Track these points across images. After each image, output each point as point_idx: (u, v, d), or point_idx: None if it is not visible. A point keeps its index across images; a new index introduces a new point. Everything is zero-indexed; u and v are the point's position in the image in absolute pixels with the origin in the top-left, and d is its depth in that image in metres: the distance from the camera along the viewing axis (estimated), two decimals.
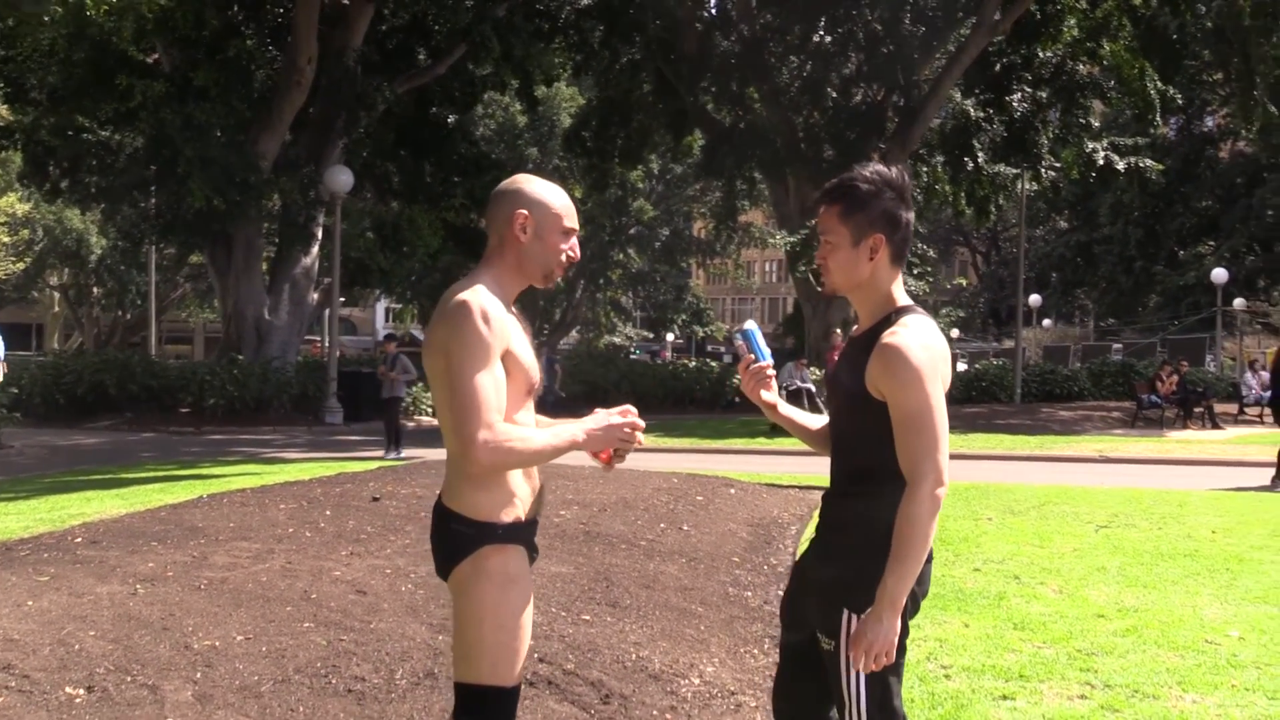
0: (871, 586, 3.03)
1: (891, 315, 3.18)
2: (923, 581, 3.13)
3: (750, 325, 3.54)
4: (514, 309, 3.25)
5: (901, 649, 3.11)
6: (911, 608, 3.11)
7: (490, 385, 3.03)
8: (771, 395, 3.49)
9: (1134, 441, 22.32)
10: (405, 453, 18.70)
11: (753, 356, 3.47)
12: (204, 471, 15.33)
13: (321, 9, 27.01)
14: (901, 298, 3.24)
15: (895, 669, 3.13)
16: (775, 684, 3.54)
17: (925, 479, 2.98)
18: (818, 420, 3.61)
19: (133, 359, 29.27)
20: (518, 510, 3.19)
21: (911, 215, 3.25)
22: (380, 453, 18.88)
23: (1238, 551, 9.25)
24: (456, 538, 3.16)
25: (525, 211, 3.23)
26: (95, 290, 56.38)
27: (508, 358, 3.12)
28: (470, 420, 2.99)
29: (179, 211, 26.97)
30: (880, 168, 3.24)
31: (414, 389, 27.84)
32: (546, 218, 3.25)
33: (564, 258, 3.31)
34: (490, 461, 3.02)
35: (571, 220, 3.30)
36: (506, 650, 3.14)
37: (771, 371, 3.48)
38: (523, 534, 3.21)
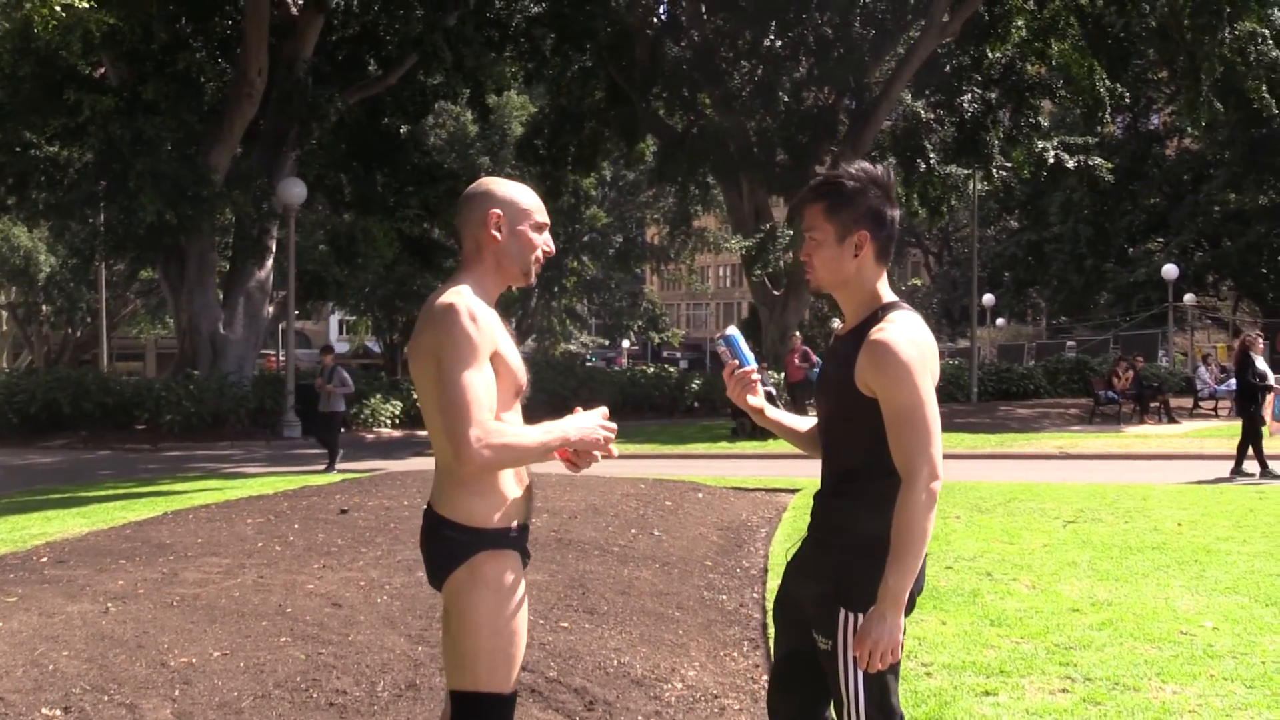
0: (868, 585, 3.02)
1: (878, 312, 3.17)
2: (919, 579, 3.12)
3: (732, 331, 3.51)
4: (497, 311, 3.23)
5: (900, 647, 3.10)
6: (909, 606, 3.10)
7: (481, 384, 3.01)
8: (758, 400, 3.47)
9: (1093, 437, 22.50)
10: (368, 465, 18.56)
11: (736, 362, 3.44)
12: (164, 488, 15.18)
13: (271, 20, 26.83)
14: (887, 294, 3.23)
15: (893, 667, 3.12)
16: (770, 684, 3.53)
17: (920, 474, 2.97)
18: (805, 422, 3.60)
19: (87, 376, 28.91)
20: (510, 515, 3.16)
21: (897, 213, 3.25)
22: (353, 465, 18.74)
23: (1205, 543, 9.34)
24: (450, 545, 3.12)
25: (498, 210, 3.22)
26: (45, 308, 55.73)
27: (495, 359, 3.10)
28: (462, 420, 2.96)
29: (130, 227, 26.69)
30: (866, 165, 3.24)
31: (372, 402, 27.69)
32: (518, 214, 3.25)
33: (540, 252, 3.30)
34: (484, 460, 2.98)
35: (543, 215, 3.30)
36: (503, 657, 3.12)
37: (756, 376, 3.46)
38: (516, 539, 3.19)
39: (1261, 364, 16.07)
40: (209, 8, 29.09)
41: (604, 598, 7.07)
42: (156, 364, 66.20)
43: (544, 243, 3.30)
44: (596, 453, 3.21)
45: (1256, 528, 10.17)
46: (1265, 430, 15.92)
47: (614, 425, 3.22)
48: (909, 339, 3.06)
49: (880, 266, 3.22)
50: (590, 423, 3.20)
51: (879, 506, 3.03)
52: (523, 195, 3.29)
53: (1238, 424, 16.71)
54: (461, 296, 3.09)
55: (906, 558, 2.97)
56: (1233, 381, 29.16)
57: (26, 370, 44.21)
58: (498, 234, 3.22)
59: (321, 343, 73.75)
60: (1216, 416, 28.04)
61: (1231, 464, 15.88)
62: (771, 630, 6.50)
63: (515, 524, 3.18)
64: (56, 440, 25.90)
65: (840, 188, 3.19)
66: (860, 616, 3.06)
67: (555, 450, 3.14)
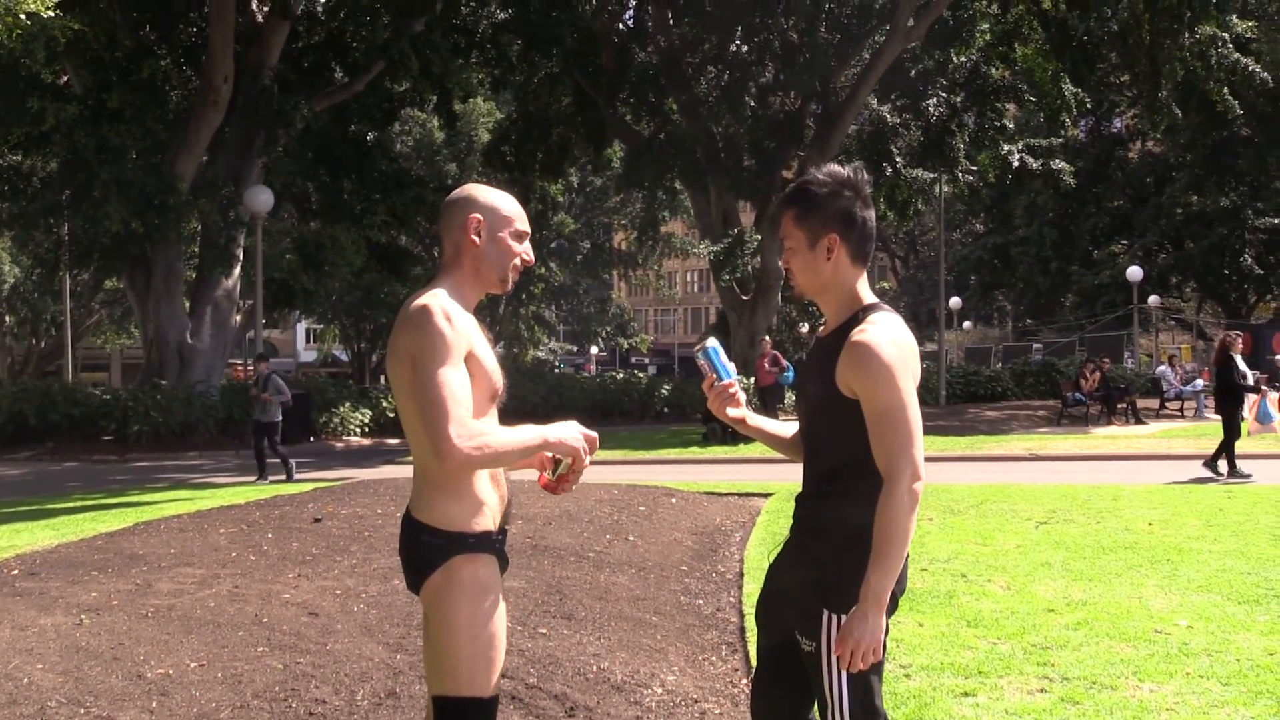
0: (850, 586, 3.02)
1: (859, 314, 3.17)
2: (901, 580, 3.13)
3: (712, 343, 3.51)
4: (473, 316, 3.23)
5: (883, 648, 3.11)
6: (891, 606, 3.10)
7: (458, 383, 3.01)
8: (739, 411, 3.47)
9: (1061, 439, 22.63)
10: (339, 474, 18.47)
11: (715, 375, 3.45)
12: (134, 499, 15.07)
13: (236, 28, 26.72)
14: (868, 296, 3.24)
15: (876, 668, 3.11)
16: (753, 687, 3.53)
17: (903, 475, 2.97)
18: (787, 427, 3.61)
19: (53, 387, 28.69)
20: (487, 520, 3.16)
21: (871, 214, 3.25)
22: (323, 474, 18.65)
23: (1176, 542, 9.41)
24: (427, 549, 3.12)
25: (479, 215, 3.23)
26: (8, 319, 55.26)
27: (471, 361, 3.10)
28: (441, 417, 2.95)
29: (95, 236, 26.52)
30: (835, 168, 3.25)
31: (341, 410, 27.56)
32: (499, 221, 3.25)
33: (519, 260, 3.30)
34: (463, 458, 2.97)
35: (524, 224, 3.31)
36: (483, 660, 3.11)
37: (735, 389, 3.46)
38: (493, 543, 3.19)
39: (1242, 364, 16.01)
40: (174, 15, 28.95)
41: (581, 603, 7.06)
42: (122, 374, 65.74)
43: (523, 251, 3.31)
44: (574, 476, 3.24)
45: (1226, 526, 10.25)
46: (1244, 429, 15.94)
47: (594, 435, 3.23)
48: (890, 339, 3.07)
49: (857, 268, 3.23)
50: (570, 431, 3.20)
51: (861, 507, 3.03)
52: (505, 203, 3.29)
53: (1204, 424, 16.76)
54: (437, 299, 3.09)
55: (888, 558, 2.98)
56: (1199, 382, 29.63)
57: None
58: (477, 239, 3.22)
59: (289, 351, 73.44)
60: (1183, 417, 28.28)
61: (1208, 461, 15.81)
62: (753, 633, 6.53)
63: (493, 528, 3.18)
64: (22, 452, 25.68)
65: (807, 194, 3.21)
66: (843, 617, 3.06)
67: (534, 451, 3.13)
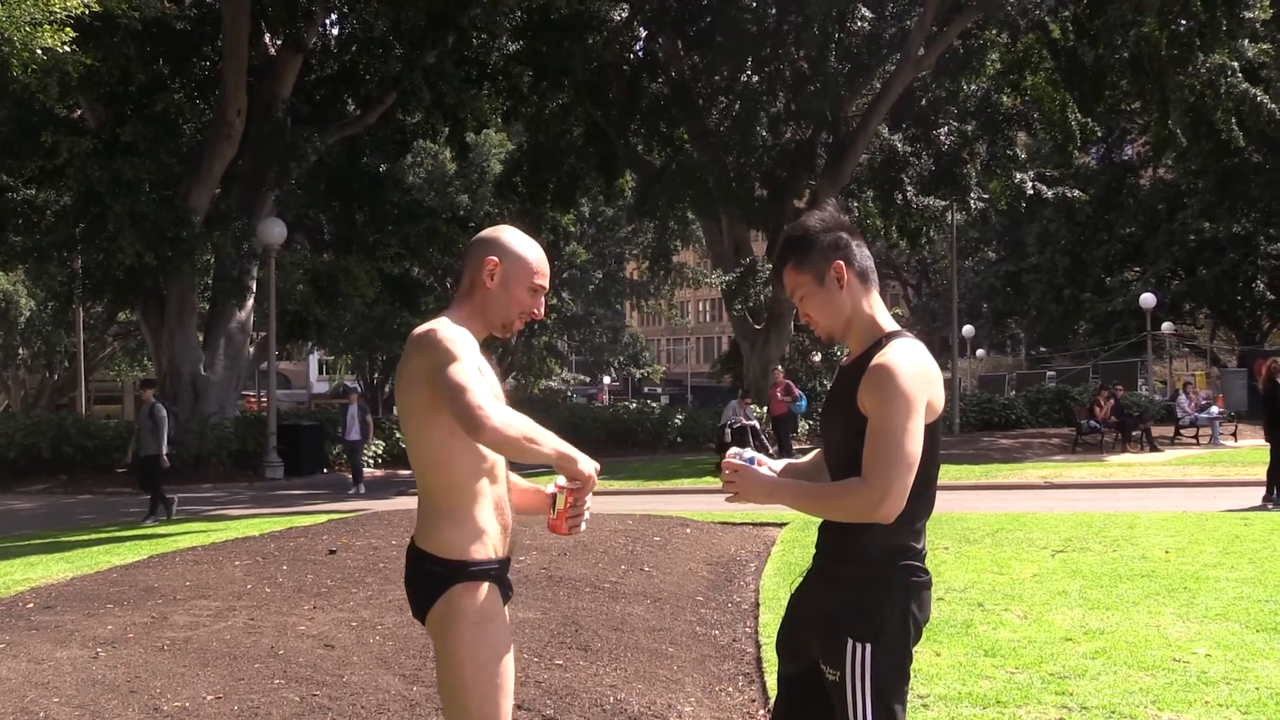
0: (874, 614, 3.02)
1: (881, 340, 3.17)
2: (924, 608, 3.12)
3: (745, 422, 3.44)
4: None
5: (906, 675, 3.10)
6: (915, 633, 3.10)
7: (477, 379, 3.05)
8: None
9: (1077, 467, 22.56)
10: (353, 505, 18.47)
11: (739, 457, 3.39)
12: (149, 531, 15.09)
13: (249, 61, 26.87)
14: (889, 323, 3.24)
15: (900, 696, 3.10)
16: (773, 716, 3.51)
17: (874, 486, 2.93)
18: (805, 458, 3.60)
19: (66, 420, 28.77)
20: (488, 548, 3.18)
21: (859, 237, 3.28)
22: (337, 505, 18.62)
23: (1193, 570, 9.36)
24: (429, 578, 3.16)
25: (496, 259, 3.26)
26: (22, 352, 55.43)
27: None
28: (466, 398, 2.98)
29: (109, 269, 26.63)
30: (813, 215, 3.30)
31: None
32: (517, 269, 3.28)
33: (525, 312, 3.32)
34: (495, 427, 2.97)
35: (542, 279, 3.33)
36: (490, 688, 3.12)
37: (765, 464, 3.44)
38: (495, 571, 3.20)
39: None
40: (187, 49, 29.13)
41: (597, 634, 7.04)
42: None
43: (534, 304, 3.33)
44: (576, 516, 3.28)
45: (1243, 554, 10.20)
46: None
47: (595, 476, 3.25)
48: (914, 366, 3.05)
49: (868, 289, 3.24)
50: (587, 459, 3.20)
51: (888, 533, 3.03)
52: (530, 253, 3.32)
53: (1219, 451, 16.65)
54: (442, 324, 3.16)
55: (807, 499, 3.13)
56: (1214, 409, 29.52)
57: (3, 414, 43.93)
58: (490, 281, 3.26)
59: (301, 383, 73.43)
60: (1198, 444, 28.15)
61: (1263, 491, 15.64)
62: (770, 663, 6.50)
63: (494, 556, 3.19)
64: (36, 485, 25.73)
65: (796, 240, 3.24)
66: (867, 646, 3.03)
67: (555, 456, 3.12)
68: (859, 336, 3.24)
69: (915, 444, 2.99)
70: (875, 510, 2.93)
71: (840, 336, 3.28)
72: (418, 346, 3.12)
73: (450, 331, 3.11)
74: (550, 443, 3.08)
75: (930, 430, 3.06)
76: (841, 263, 3.19)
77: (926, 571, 3.12)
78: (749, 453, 3.28)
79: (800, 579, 3.45)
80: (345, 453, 25.02)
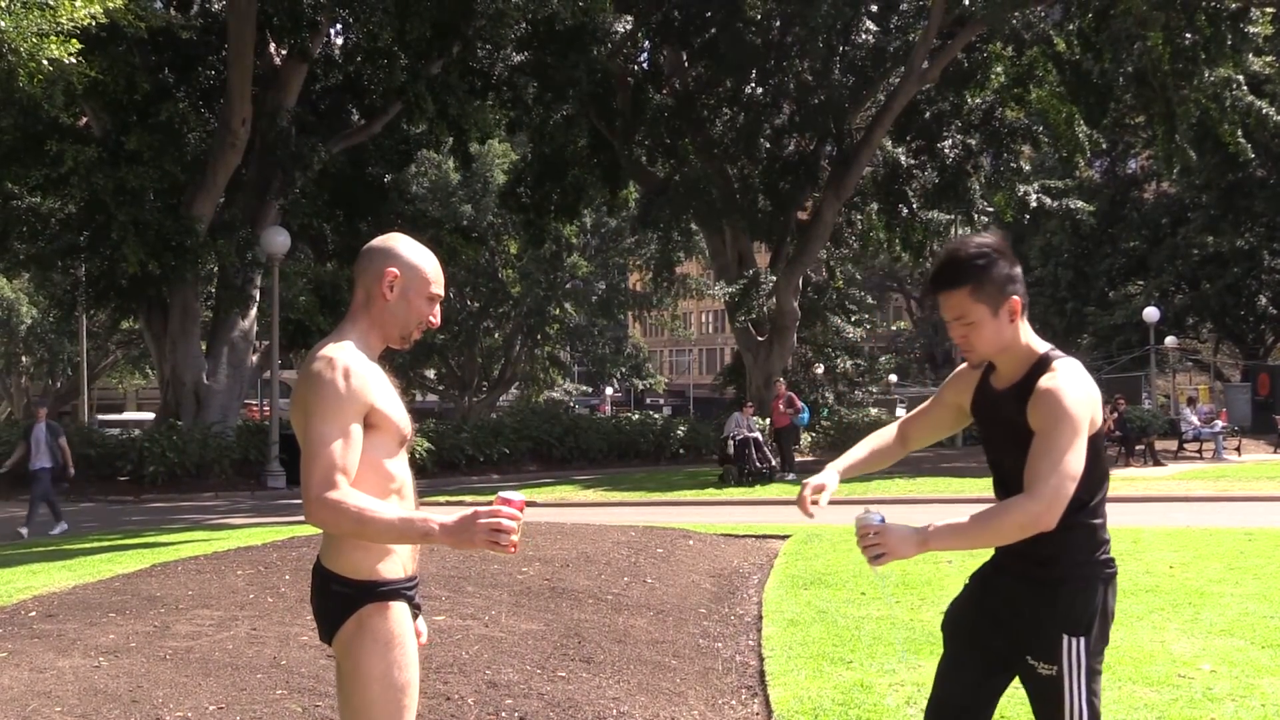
0: (1086, 609, 3.28)
1: (1040, 362, 3.33)
2: (1115, 597, 3.37)
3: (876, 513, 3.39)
4: (380, 363, 3.24)
5: (1097, 672, 3.30)
6: (1110, 620, 3.35)
7: (339, 444, 2.99)
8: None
9: None
10: None
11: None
12: (150, 540, 15.06)
13: (254, 70, 26.90)
14: (1040, 345, 3.40)
15: (1099, 680, 3.32)
16: (935, 709, 3.66)
17: (1040, 498, 3.10)
18: (856, 452, 3.77)
19: (69, 428, 28.74)
20: (397, 566, 3.16)
21: (1019, 269, 3.40)
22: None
23: (1198, 585, 9.33)
24: (336, 599, 3.11)
25: (396, 270, 3.22)
26: (25, 359, 55.49)
27: (373, 414, 3.10)
28: (313, 474, 2.95)
29: (113, 277, 26.63)
30: (979, 239, 3.39)
31: None
32: (415, 280, 3.25)
33: (423, 322, 3.30)
34: (320, 518, 2.95)
35: (438, 287, 3.30)
36: (397, 709, 3.09)
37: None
38: (404, 591, 3.18)
39: None
40: (192, 58, 29.17)
41: (600, 646, 7.03)
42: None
43: (431, 314, 3.30)
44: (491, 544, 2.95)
45: (1248, 569, 10.17)
46: None
47: (514, 507, 2.97)
48: (1080, 389, 3.24)
49: (1024, 321, 3.39)
50: (466, 530, 2.94)
51: (1083, 535, 3.30)
52: (426, 263, 3.29)
53: (1223, 466, 16.63)
54: (339, 350, 3.10)
55: (970, 533, 3.19)
56: (1218, 423, 29.51)
57: (5, 422, 43.93)
58: (389, 293, 3.22)
59: None
60: (1201, 459, 28.12)
61: None
62: (773, 676, 6.49)
63: (403, 576, 3.18)
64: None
65: (974, 268, 3.31)
66: (1081, 639, 3.26)
67: (411, 538, 3.01)
68: (1015, 362, 3.40)
69: (1079, 460, 3.17)
70: (1041, 520, 3.12)
71: (992, 360, 3.44)
72: (305, 380, 3.07)
73: (343, 372, 3.04)
74: (400, 524, 2.96)
75: (1093, 442, 3.24)
76: (1017, 299, 3.33)
77: (1115, 561, 3.37)
78: (876, 513, 3.28)
79: (970, 584, 3.64)
80: None
